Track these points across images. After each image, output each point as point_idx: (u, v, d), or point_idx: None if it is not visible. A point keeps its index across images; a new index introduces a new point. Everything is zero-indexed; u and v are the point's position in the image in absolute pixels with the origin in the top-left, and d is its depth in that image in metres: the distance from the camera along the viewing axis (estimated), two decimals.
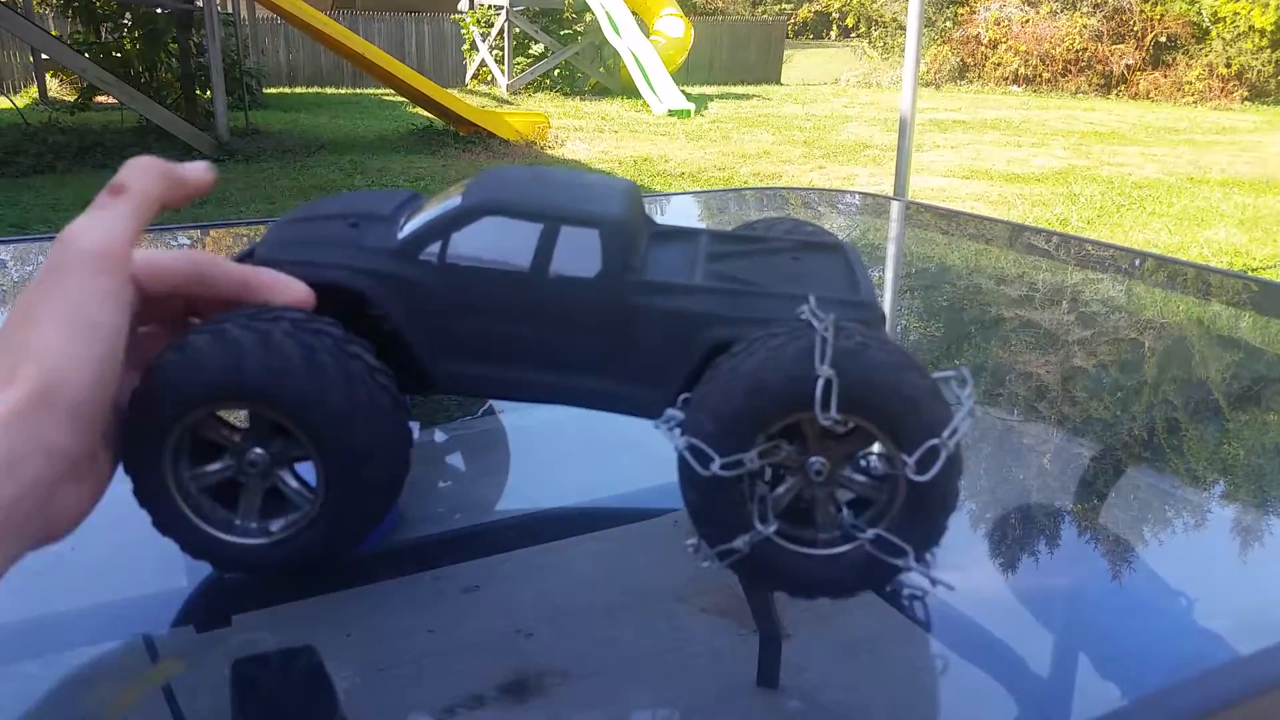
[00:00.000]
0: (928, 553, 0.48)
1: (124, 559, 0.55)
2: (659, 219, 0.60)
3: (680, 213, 1.53)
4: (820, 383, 0.44)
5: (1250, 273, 5.02)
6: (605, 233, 0.51)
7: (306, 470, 0.49)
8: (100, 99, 8.17)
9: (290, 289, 0.49)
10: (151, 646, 0.49)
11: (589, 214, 0.51)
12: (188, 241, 1.30)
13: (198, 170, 0.50)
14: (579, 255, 0.51)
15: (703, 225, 0.61)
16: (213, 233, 1.37)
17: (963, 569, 0.50)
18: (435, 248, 0.51)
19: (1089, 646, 0.50)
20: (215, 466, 0.49)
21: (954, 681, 0.48)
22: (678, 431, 0.47)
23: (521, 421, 0.75)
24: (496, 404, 0.76)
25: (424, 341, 0.52)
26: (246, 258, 0.54)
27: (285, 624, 0.50)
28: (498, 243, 0.51)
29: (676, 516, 0.61)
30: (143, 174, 0.47)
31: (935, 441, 0.45)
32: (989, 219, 1.65)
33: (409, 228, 0.53)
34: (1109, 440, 0.77)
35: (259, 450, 0.48)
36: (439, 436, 0.72)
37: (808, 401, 0.45)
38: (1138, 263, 1.36)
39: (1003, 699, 0.46)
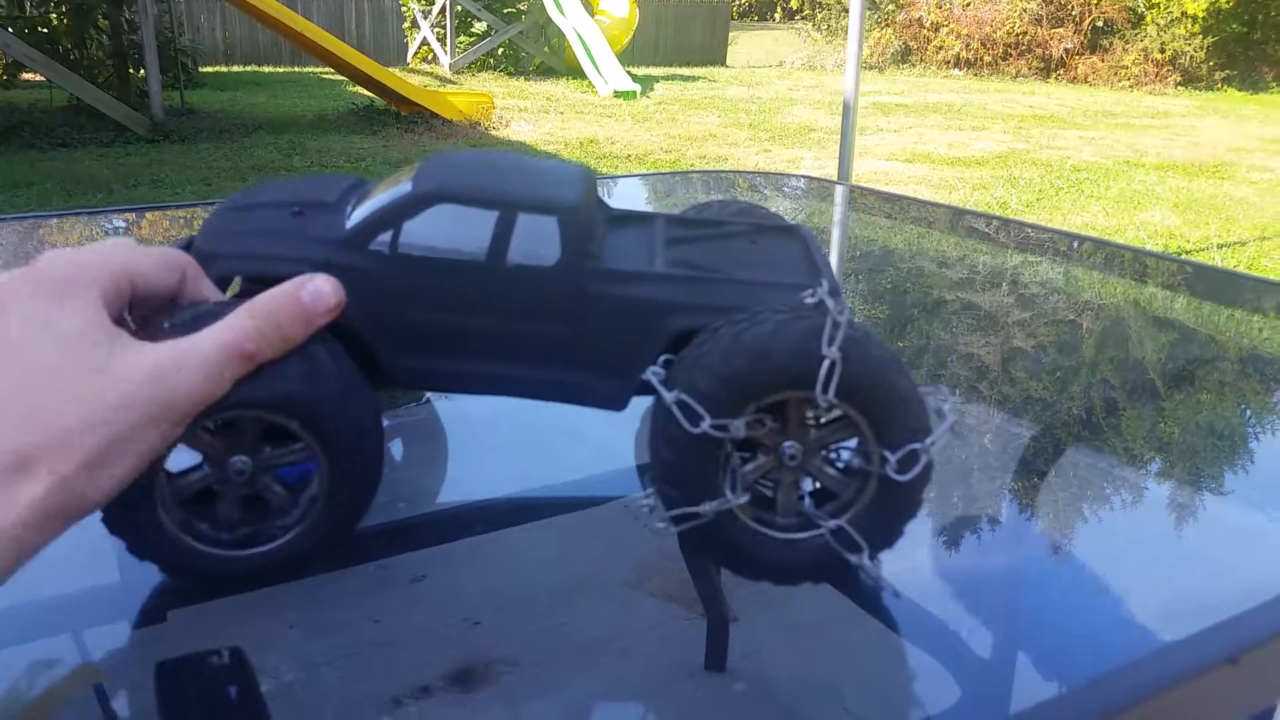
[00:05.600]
0: (881, 552, 0.48)
1: (57, 554, 0.53)
2: (608, 203, 0.59)
3: (627, 196, 1.53)
4: (826, 364, 0.45)
5: (1184, 254, 5.15)
6: (563, 219, 0.50)
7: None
8: (27, 76, 7.91)
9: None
10: (84, 644, 0.47)
11: (546, 200, 0.50)
12: (123, 224, 1.26)
13: (324, 299, 0.46)
14: (537, 243, 0.50)
15: (652, 209, 0.60)
16: (148, 215, 1.33)
17: (904, 552, 0.50)
18: (386, 237, 0.50)
19: (1029, 631, 0.51)
20: (193, 477, 0.47)
21: (897, 665, 0.48)
22: (664, 386, 0.46)
23: (464, 410, 0.74)
24: (439, 393, 0.75)
25: (377, 335, 0.50)
26: (185, 249, 0.52)
27: (224, 618, 0.49)
28: (452, 231, 0.50)
29: (626, 501, 0.61)
30: (273, 340, 0.44)
31: (918, 445, 0.46)
32: (931, 203, 1.67)
33: (357, 216, 0.51)
34: (1049, 421, 0.79)
35: (242, 459, 0.46)
36: None
37: (809, 380, 0.45)
38: (1075, 245, 1.38)
39: (945, 682, 0.47)
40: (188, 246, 0.52)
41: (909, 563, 0.54)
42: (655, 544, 0.56)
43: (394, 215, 0.50)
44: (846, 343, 0.45)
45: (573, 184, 0.53)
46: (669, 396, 0.46)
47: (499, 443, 0.70)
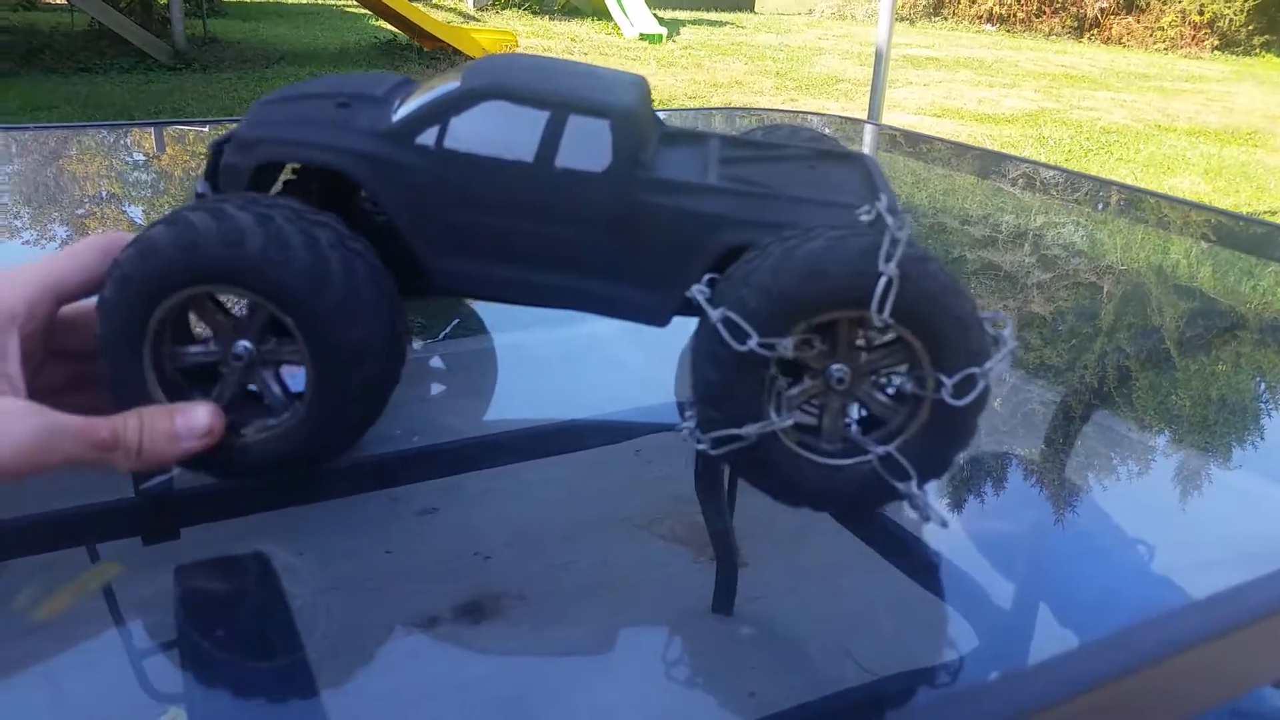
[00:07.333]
0: (931, 481, 0.47)
1: (70, 471, 0.54)
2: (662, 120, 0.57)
3: None
4: (883, 281, 0.43)
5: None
6: (616, 124, 0.48)
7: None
8: None
9: None
10: (96, 558, 0.48)
11: (600, 103, 0.49)
12: (141, 145, 1.25)
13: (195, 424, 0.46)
14: (588, 147, 0.48)
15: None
16: (168, 131, 1.32)
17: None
18: (432, 132, 0.48)
19: (1046, 584, 0.51)
20: (196, 349, 0.47)
21: (909, 613, 0.48)
22: (710, 304, 0.45)
23: (485, 345, 0.74)
24: (461, 325, 0.75)
25: (417, 233, 0.49)
26: (224, 143, 0.51)
27: (236, 539, 0.49)
28: (500, 130, 0.48)
29: (639, 445, 0.61)
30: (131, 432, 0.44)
31: (976, 370, 0.44)
32: (961, 145, 1.64)
33: (404, 110, 0.49)
34: (1075, 381, 0.78)
35: (245, 344, 0.46)
36: None
37: (863, 298, 0.43)
38: (1100, 207, 1.36)
39: (960, 632, 0.47)
40: (226, 140, 0.51)
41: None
42: (667, 486, 0.56)
43: (442, 110, 0.48)
44: (905, 260, 0.43)
45: (628, 89, 0.51)
46: (714, 314, 0.44)
47: (519, 378, 0.70)
